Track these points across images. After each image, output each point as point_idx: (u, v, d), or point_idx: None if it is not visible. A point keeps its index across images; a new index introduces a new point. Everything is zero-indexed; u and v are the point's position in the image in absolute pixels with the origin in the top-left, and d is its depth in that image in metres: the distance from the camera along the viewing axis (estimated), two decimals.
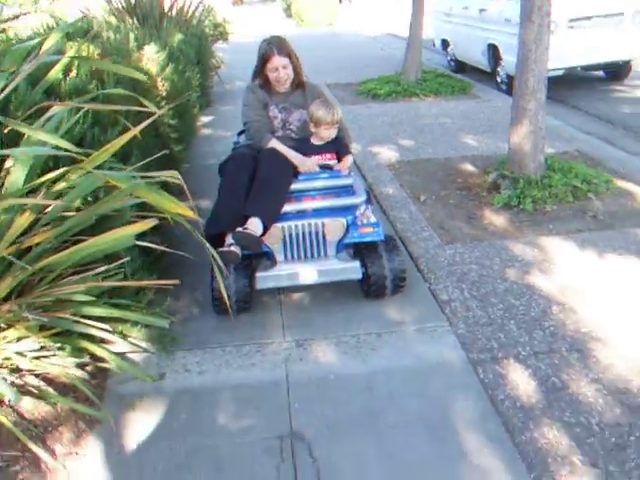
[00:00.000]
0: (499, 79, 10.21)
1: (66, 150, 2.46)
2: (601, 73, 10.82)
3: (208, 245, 2.98)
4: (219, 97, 10.64)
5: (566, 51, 9.16)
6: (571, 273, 4.21)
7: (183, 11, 10.63)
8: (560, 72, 9.49)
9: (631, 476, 2.60)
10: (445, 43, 12.85)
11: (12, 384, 2.91)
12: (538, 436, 2.83)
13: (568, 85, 10.35)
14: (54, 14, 8.75)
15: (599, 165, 6.24)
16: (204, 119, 9.13)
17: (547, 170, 5.68)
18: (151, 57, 5.39)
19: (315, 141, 4.16)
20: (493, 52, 10.24)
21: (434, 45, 13.72)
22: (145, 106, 3.20)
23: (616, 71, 10.44)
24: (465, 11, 11.44)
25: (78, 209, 3.11)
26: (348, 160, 4.20)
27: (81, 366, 3.21)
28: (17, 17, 3.73)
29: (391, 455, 2.75)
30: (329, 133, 4.09)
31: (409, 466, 2.69)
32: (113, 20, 8.99)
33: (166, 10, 10.31)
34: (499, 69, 10.18)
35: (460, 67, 12.32)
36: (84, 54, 4.57)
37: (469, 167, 6.29)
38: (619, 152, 6.83)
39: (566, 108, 9.31)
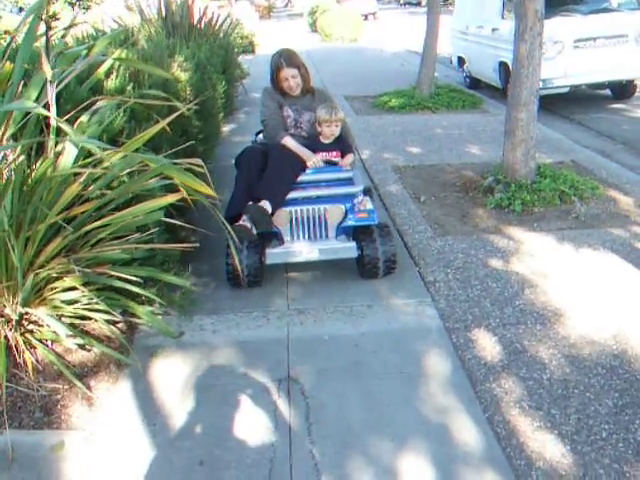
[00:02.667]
0: None
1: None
2: (608, 92, 11.28)
3: (224, 221, 3.56)
4: (242, 105, 11.30)
5: (571, 69, 9.73)
6: (547, 263, 4.73)
7: (211, 24, 11.26)
8: (566, 89, 10.05)
9: (570, 418, 3.12)
10: (461, 60, 13.40)
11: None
12: (495, 386, 3.37)
13: (574, 102, 10.89)
14: (94, 24, 9.38)
15: (590, 174, 6.74)
16: (228, 125, 9.77)
17: (538, 176, 6.21)
18: (180, 65, 6.00)
19: (322, 139, 4.73)
20: (504, 69, 10.76)
21: (451, 62, 14.29)
22: (174, 104, 3.83)
23: (621, 90, 10.92)
24: (479, 30, 12.00)
25: (118, 186, 3.71)
26: (349, 157, 4.75)
27: (114, 322, 3.80)
28: (72, 27, 4.34)
29: (370, 395, 3.31)
30: (331, 130, 4.66)
31: (384, 403, 3.25)
32: (145, 30, 9.62)
33: (195, 22, 10.97)
34: (509, 85, 10.67)
35: (475, 83, 12.84)
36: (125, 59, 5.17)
37: (469, 172, 6.83)
38: (612, 164, 7.31)
39: (570, 123, 9.84)
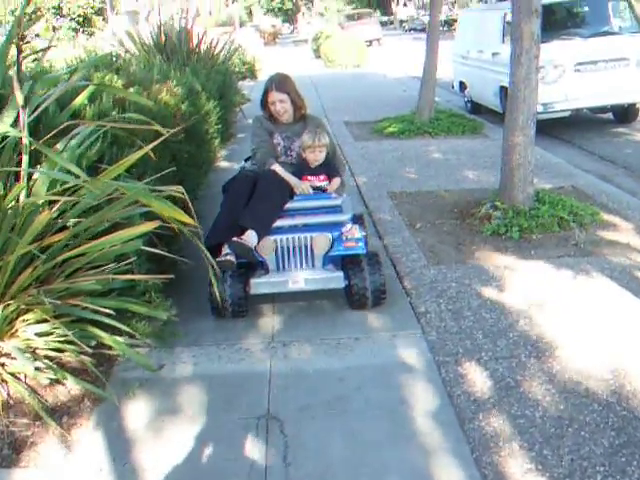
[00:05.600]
0: None
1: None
2: (610, 116, 11.17)
3: (206, 251, 3.44)
4: (241, 131, 11.19)
5: (572, 93, 9.62)
6: (543, 292, 4.57)
7: (210, 49, 11.23)
8: (567, 113, 9.95)
9: (563, 459, 2.95)
10: (462, 85, 13.32)
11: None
12: (485, 425, 3.20)
13: (576, 126, 10.77)
14: (90, 49, 9.35)
15: (590, 199, 6.59)
16: (224, 151, 9.68)
17: (536, 202, 6.06)
18: (170, 90, 5.90)
19: (309, 164, 4.61)
20: (504, 94, 10.63)
21: (452, 87, 14.21)
22: (157, 129, 3.73)
23: (624, 114, 10.80)
24: (480, 54, 11.92)
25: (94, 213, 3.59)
26: (336, 182, 4.62)
27: (90, 353, 3.67)
28: (48, 49, 4.25)
29: (352, 433, 3.15)
30: (314, 156, 4.55)
31: (367, 442, 3.09)
32: (142, 55, 9.58)
33: (194, 48, 10.94)
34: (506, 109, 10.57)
35: (476, 108, 12.72)
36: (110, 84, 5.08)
37: (466, 199, 6.69)
38: (613, 189, 7.16)
39: (571, 147, 9.72)
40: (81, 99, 4.29)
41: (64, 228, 3.51)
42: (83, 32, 26.57)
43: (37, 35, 26.97)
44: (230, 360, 3.87)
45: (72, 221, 3.47)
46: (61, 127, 3.65)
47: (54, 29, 27.19)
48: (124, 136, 4.44)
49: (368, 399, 3.41)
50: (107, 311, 3.34)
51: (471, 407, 3.34)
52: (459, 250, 5.42)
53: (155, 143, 3.71)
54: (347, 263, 4.27)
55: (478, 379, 3.58)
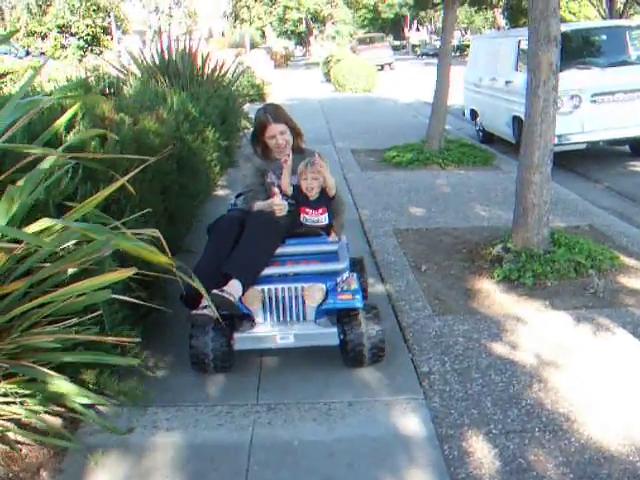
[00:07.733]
0: None
1: None
2: (627, 148, 10.76)
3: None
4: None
5: (589, 125, 9.21)
6: (559, 350, 4.14)
7: (213, 72, 10.88)
8: (583, 145, 9.53)
9: None
10: (474, 113, 12.95)
11: None
12: None
13: (591, 159, 10.36)
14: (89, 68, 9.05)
15: (609, 241, 6.16)
16: (225, 178, 9.29)
17: (552, 244, 5.64)
18: (161, 118, 5.52)
19: (308, 196, 4.22)
20: (517, 124, 10.27)
21: (463, 114, 13.85)
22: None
23: None
24: (493, 82, 11.54)
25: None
26: (337, 225, 4.25)
27: (55, 414, 3.27)
28: (5, 75, 3.91)
29: None
30: (307, 184, 4.16)
31: None
32: (142, 78, 9.26)
33: (199, 69, 10.61)
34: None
35: (488, 138, 12.34)
36: (92, 109, 4.70)
37: (476, 238, 6.27)
38: (633, 229, 6.73)
39: (586, 182, 9.31)
40: (57, 127, 3.93)
41: (26, 274, 3.13)
42: (92, 51, 26.43)
43: (42, 53, 26.93)
44: (208, 425, 3.43)
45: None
46: (29, 159, 3.28)
47: (63, 47, 27.12)
48: (102, 170, 4.06)
49: None
50: (59, 375, 2.94)
51: None
52: (467, 297, 4.99)
53: (129, 176, 3.35)
54: (342, 316, 3.84)
55: (486, 459, 3.13)
